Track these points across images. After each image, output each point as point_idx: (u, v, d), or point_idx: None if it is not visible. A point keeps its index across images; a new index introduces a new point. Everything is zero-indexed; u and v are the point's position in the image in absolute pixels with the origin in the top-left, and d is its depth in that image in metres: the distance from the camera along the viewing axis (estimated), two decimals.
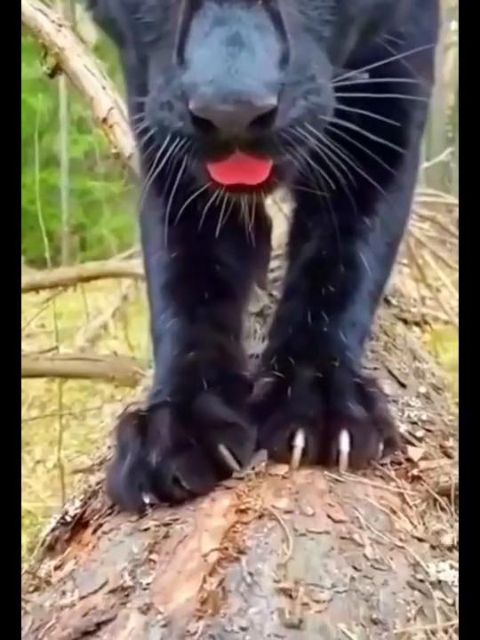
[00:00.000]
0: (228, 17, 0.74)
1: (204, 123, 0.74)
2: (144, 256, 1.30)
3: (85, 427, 4.08)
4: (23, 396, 4.37)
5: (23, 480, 3.71)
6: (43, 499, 3.45)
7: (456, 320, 3.50)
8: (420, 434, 1.07)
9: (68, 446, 3.62)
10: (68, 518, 1.00)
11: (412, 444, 1.03)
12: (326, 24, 0.82)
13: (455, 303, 3.84)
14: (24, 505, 3.28)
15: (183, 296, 1.16)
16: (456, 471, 0.93)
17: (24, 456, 3.95)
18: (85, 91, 1.99)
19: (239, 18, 0.74)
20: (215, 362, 1.05)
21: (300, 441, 0.92)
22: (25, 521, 3.02)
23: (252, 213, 0.96)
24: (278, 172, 0.85)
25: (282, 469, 0.92)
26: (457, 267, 3.83)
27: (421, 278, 3.87)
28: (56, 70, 2.09)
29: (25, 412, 4.24)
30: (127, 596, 0.74)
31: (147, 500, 0.87)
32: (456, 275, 3.99)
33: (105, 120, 1.91)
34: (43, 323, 5.03)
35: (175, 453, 0.88)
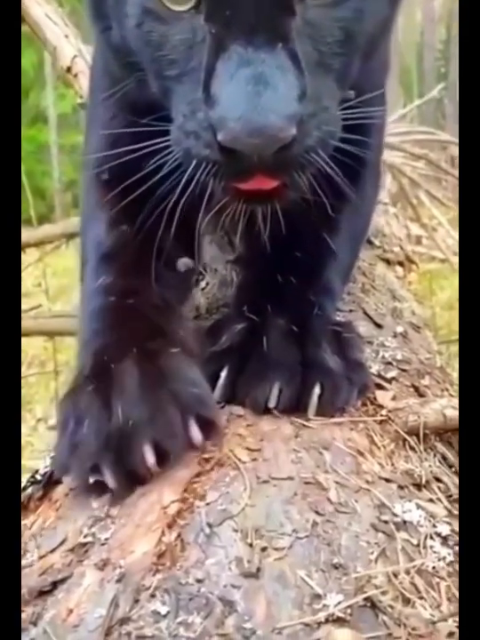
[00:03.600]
0: (253, 59, 0.81)
1: (230, 150, 0.82)
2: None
3: None
4: (22, 355, 4.37)
5: (26, 439, 3.73)
6: (45, 457, 3.45)
7: (452, 259, 3.46)
8: (393, 374, 1.06)
9: None
10: (39, 477, 0.99)
11: (383, 388, 1.01)
12: (336, 56, 0.89)
13: (451, 242, 3.79)
14: (28, 463, 3.30)
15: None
16: (425, 410, 0.92)
17: (25, 414, 3.95)
18: (48, 40, 1.94)
19: (263, 60, 0.81)
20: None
21: (275, 390, 0.91)
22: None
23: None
24: (290, 185, 0.91)
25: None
26: (451, 205, 3.77)
27: (416, 218, 3.81)
28: None
29: (24, 371, 4.23)
30: (85, 552, 0.73)
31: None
32: (451, 213, 3.94)
33: (69, 69, 1.85)
34: (39, 282, 4.99)
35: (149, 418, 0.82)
